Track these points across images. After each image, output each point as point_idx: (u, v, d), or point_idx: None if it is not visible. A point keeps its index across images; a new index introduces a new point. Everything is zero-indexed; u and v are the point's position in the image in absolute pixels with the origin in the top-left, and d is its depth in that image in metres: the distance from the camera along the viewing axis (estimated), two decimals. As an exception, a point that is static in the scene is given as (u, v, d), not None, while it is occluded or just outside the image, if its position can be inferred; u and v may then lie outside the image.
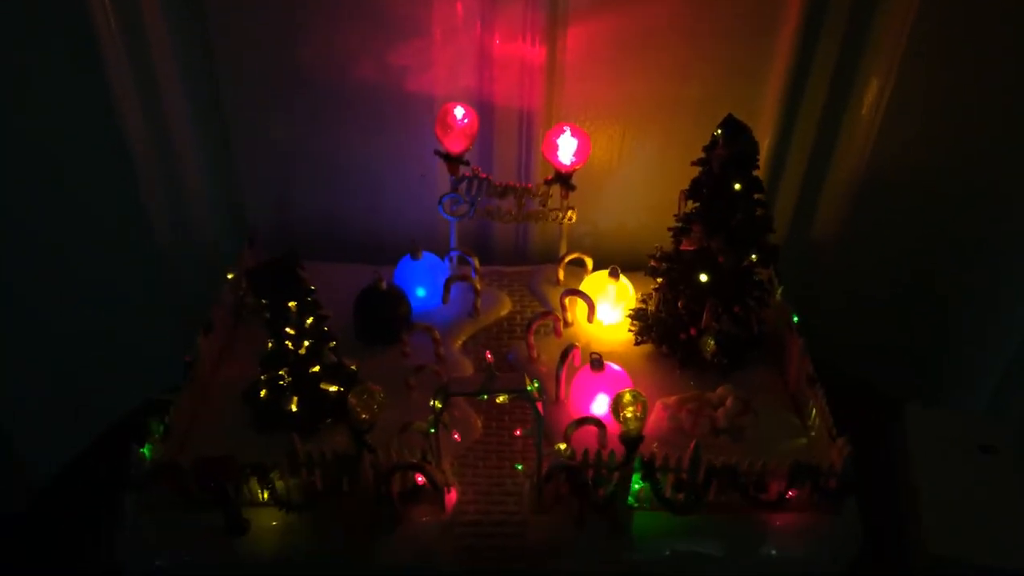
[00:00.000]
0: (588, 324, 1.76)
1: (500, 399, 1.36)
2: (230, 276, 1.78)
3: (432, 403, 1.35)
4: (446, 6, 1.74)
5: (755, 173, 1.53)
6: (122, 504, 1.43)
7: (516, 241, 2.06)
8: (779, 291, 1.69)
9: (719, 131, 1.51)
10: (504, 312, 1.85)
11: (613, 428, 1.47)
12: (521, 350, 1.74)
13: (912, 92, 1.75)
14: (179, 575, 1.41)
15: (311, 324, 1.50)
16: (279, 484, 1.38)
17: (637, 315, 1.74)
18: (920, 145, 1.82)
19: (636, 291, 1.79)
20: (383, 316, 1.73)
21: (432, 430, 1.37)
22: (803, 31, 1.73)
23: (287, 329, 1.48)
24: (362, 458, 1.31)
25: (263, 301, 1.48)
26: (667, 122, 1.86)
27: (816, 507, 1.43)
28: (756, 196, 1.54)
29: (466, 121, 1.71)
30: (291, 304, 1.47)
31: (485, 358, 1.46)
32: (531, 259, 2.05)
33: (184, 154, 1.88)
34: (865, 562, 1.45)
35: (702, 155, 1.56)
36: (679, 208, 1.61)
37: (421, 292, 1.82)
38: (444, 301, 1.80)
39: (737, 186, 1.50)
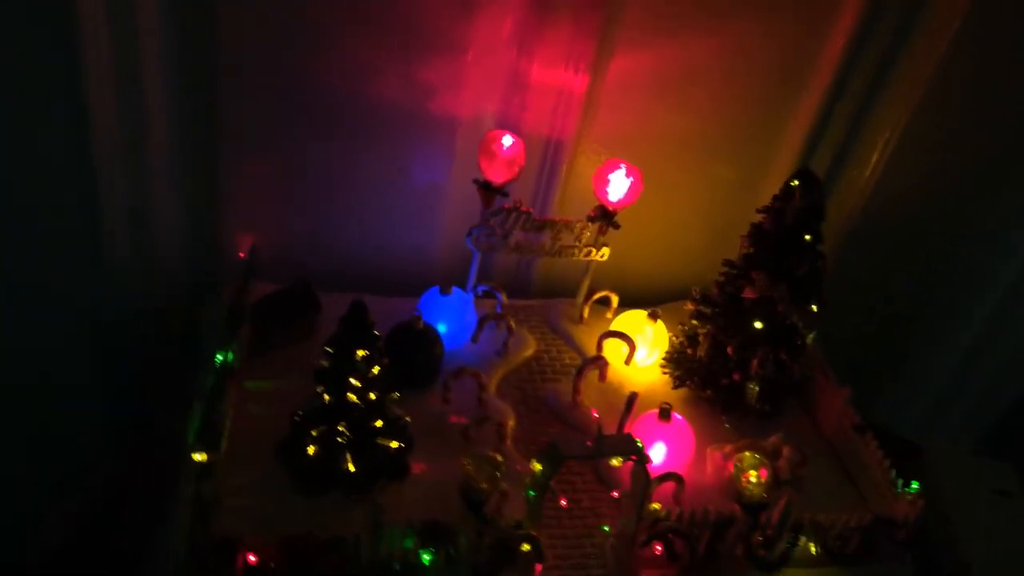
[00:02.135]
0: (624, 367, 1.71)
1: (614, 462, 1.28)
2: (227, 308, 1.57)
3: (535, 466, 1.25)
4: (489, 24, 1.62)
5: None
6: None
7: (518, 270, 1.97)
8: (810, 337, 1.71)
9: (795, 182, 1.50)
10: (530, 352, 1.75)
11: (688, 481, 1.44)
12: (561, 393, 1.66)
13: (913, 150, 1.86)
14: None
15: (377, 374, 1.34)
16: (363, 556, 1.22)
17: (675, 358, 1.71)
18: (913, 196, 1.93)
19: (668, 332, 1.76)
20: (420, 358, 1.58)
21: (532, 492, 1.26)
22: (834, 82, 1.78)
23: (352, 380, 1.31)
24: (482, 536, 1.18)
25: (327, 349, 1.30)
26: (692, 160, 1.85)
27: (882, 557, 1.46)
28: (819, 248, 1.55)
29: (514, 151, 1.61)
30: (361, 353, 1.30)
31: (592, 417, 1.36)
32: (535, 291, 1.97)
33: (161, 164, 1.62)
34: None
35: (769, 204, 1.55)
36: (739, 252, 1.60)
37: (443, 328, 1.69)
38: (474, 340, 1.68)
39: (808, 237, 1.51)
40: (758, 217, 1.57)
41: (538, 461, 1.25)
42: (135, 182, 1.56)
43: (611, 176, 1.63)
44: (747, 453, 1.28)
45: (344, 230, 1.81)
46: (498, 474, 1.19)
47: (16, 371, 1.48)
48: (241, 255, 1.69)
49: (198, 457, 1.27)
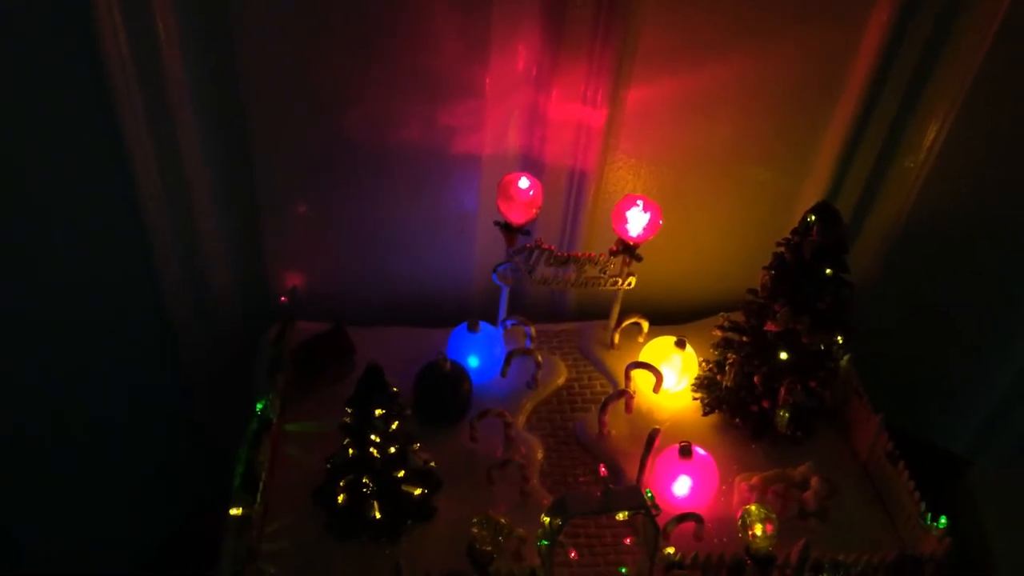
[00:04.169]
0: (653, 395, 1.73)
1: (620, 516, 1.31)
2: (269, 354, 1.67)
3: (547, 520, 1.30)
4: (504, 66, 1.63)
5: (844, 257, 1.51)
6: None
7: (553, 296, 1.99)
8: (845, 359, 1.69)
9: (812, 217, 1.48)
10: (561, 381, 1.79)
11: (706, 516, 1.46)
12: (588, 424, 1.69)
13: (957, 152, 1.78)
14: None
15: (396, 428, 1.41)
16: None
17: (705, 385, 1.72)
18: (960, 200, 1.85)
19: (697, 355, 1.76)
20: (448, 398, 1.65)
21: (545, 542, 1.31)
22: (865, 94, 1.71)
23: (372, 436, 1.39)
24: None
25: (347, 409, 1.38)
26: (722, 177, 1.83)
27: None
28: (843, 277, 1.52)
29: (531, 193, 1.63)
30: (378, 412, 1.37)
31: (599, 472, 1.40)
32: (569, 314, 1.99)
33: (206, 217, 1.72)
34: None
35: (788, 237, 1.53)
36: (761, 283, 1.58)
37: (474, 362, 1.74)
38: (503, 375, 1.73)
39: (828, 271, 1.48)
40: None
41: (549, 516, 1.29)
42: (183, 227, 1.67)
43: (628, 213, 1.63)
44: (753, 507, 1.29)
45: (378, 266, 1.88)
46: (501, 538, 1.24)
47: (80, 425, 1.62)
48: (283, 299, 1.78)
49: (234, 511, 1.38)
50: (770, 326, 1.55)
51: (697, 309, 1.91)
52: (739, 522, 1.30)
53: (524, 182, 1.63)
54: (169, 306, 1.73)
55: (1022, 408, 1.98)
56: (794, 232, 1.52)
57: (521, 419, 1.70)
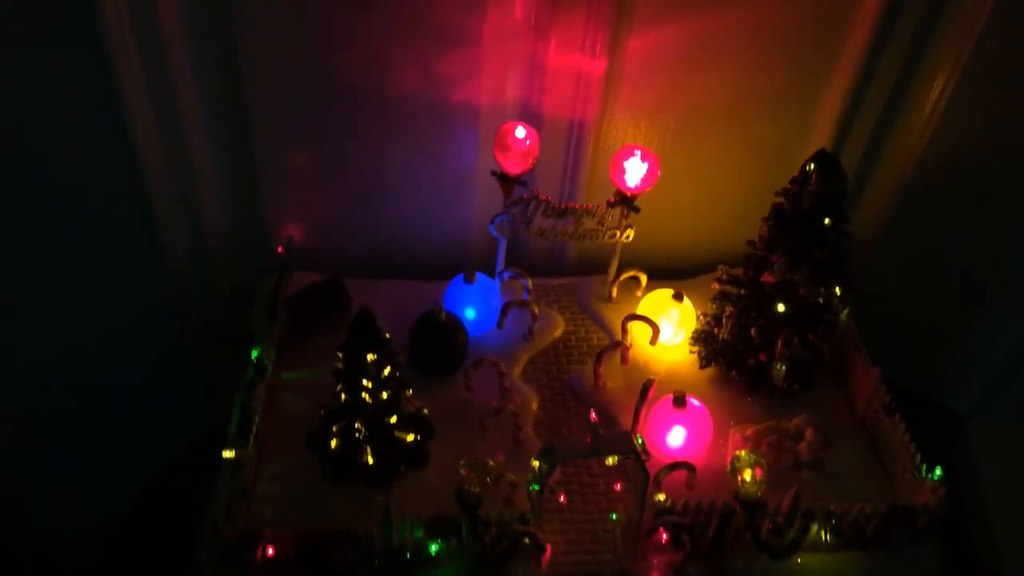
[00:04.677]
0: (650, 347, 1.72)
1: (609, 461, 1.31)
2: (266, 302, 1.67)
3: (536, 464, 1.30)
4: (500, 14, 1.61)
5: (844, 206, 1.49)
6: (200, 565, 1.34)
7: (553, 250, 1.98)
8: (845, 313, 1.67)
9: (811, 166, 1.46)
10: (558, 333, 1.78)
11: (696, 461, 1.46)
12: (585, 376, 1.69)
13: (970, 97, 1.74)
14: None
15: (388, 374, 1.41)
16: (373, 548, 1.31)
17: (703, 338, 1.71)
18: (971, 149, 1.82)
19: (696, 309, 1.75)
20: (443, 348, 1.65)
21: (535, 487, 1.31)
22: (873, 39, 1.68)
23: (364, 381, 1.39)
24: (475, 535, 1.25)
25: (339, 354, 1.38)
26: (723, 128, 1.80)
27: (901, 543, 1.45)
28: (843, 227, 1.50)
29: (528, 143, 1.62)
30: (370, 357, 1.37)
31: (590, 418, 1.40)
32: (569, 268, 1.99)
33: (202, 165, 1.71)
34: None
35: (787, 187, 1.51)
36: (759, 235, 1.57)
37: (471, 314, 1.74)
38: (499, 326, 1.73)
39: (827, 221, 1.46)
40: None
41: (538, 460, 1.30)
42: (180, 176, 1.66)
43: (626, 163, 1.61)
44: (743, 452, 1.28)
45: (377, 218, 1.87)
46: (489, 480, 1.24)
47: (78, 368, 1.63)
48: (279, 249, 1.78)
49: (227, 454, 1.39)
50: (767, 277, 1.54)
51: (697, 264, 1.89)
52: (728, 468, 1.29)
53: (521, 131, 1.61)
54: (168, 255, 1.74)
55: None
56: (793, 181, 1.50)
57: (517, 370, 1.70)
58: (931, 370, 2.05)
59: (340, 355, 1.38)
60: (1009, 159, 1.81)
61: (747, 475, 1.25)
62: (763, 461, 1.27)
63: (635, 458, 1.27)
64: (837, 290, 1.53)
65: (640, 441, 1.31)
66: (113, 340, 1.68)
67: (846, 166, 1.87)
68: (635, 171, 1.61)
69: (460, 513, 1.26)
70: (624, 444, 1.28)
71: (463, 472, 1.24)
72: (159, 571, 1.47)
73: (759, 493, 1.27)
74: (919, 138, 1.80)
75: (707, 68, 1.72)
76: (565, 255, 1.99)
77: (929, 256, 1.97)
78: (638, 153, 1.61)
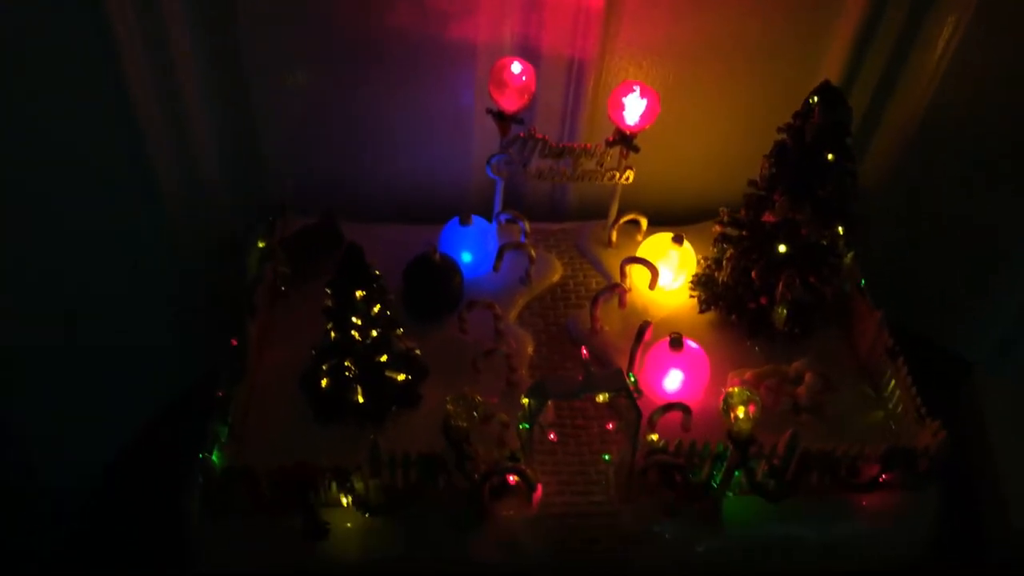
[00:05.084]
0: (649, 291, 1.69)
1: (600, 398, 1.29)
2: (261, 244, 1.65)
3: (526, 401, 1.28)
4: (496, -55, 1.57)
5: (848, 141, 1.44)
6: (187, 511, 1.34)
7: (553, 193, 1.95)
8: (849, 256, 1.63)
9: (814, 98, 1.41)
10: (556, 278, 1.76)
11: (693, 405, 1.43)
12: (581, 320, 1.66)
13: (983, 39, 1.67)
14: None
15: (378, 312, 1.39)
16: (359, 486, 1.30)
17: (703, 282, 1.67)
18: (981, 93, 1.76)
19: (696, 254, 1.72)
20: (437, 290, 1.62)
21: (525, 425, 1.29)
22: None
23: (354, 319, 1.37)
24: (460, 463, 1.23)
25: (327, 291, 1.36)
26: (725, 65, 1.75)
27: (901, 486, 1.42)
28: (848, 165, 1.45)
29: (524, 78, 1.57)
30: (359, 293, 1.35)
31: (581, 355, 1.37)
32: (570, 213, 1.95)
33: (194, 108, 1.67)
34: (945, 538, 1.46)
35: (789, 121, 1.46)
36: (761, 173, 1.52)
37: (467, 257, 1.71)
38: (496, 269, 1.70)
39: (830, 156, 1.42)
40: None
41: (528, 397, 1.27)
42: (174, 120, 1.63)
43: (625, 100, 1.57)
44: (736, 389, 1.25)
45: (373, 161, 1.84)
46: (476, 414, 1.22)
47: (73, 302, 1.61)
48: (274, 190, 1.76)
49: (219, 393, 1.38)
50: (768, 216, 1.50)
51: (700, 210, 1.84)
52: (721, 405, 1.26)
53: (517, 67, 1.57)
54: (164, 194, 1.70)
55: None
56: (796, 116, 1.45)
57: (513, 314, 1.67)
58: (943, 320, 2.00)
59: (328, 292, 1.36)
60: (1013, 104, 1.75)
61: (740, 412, 1.23)
62: (756, 398, 1.24)
63: (626, 395, 1.24)
64: (840, 230, 1.48)
65: (633, 379, 1.28)
66: (106, 281, 1.65)
67: (855, 107, 1.83)
68: (634, 108, 1.56)
69: (446, 448, 1.24)
70: (616, 381, 1.26)
71: (449, 407, 1.22)
72: (147, 518, 1.47)
73: (752, 430, 1.25)
74: (931, 78, 1.74)
75: (712, 5, 1.67)
76: (565, 201, 1.95)
77: (939, 202, 1.92)
78: (637, 89, 1.56)
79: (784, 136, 1.48)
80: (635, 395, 1.26)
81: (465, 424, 1.21)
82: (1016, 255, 1.89)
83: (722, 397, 1.27)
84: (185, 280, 1.77)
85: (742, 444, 1.25)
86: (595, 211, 1.88)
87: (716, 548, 1.39)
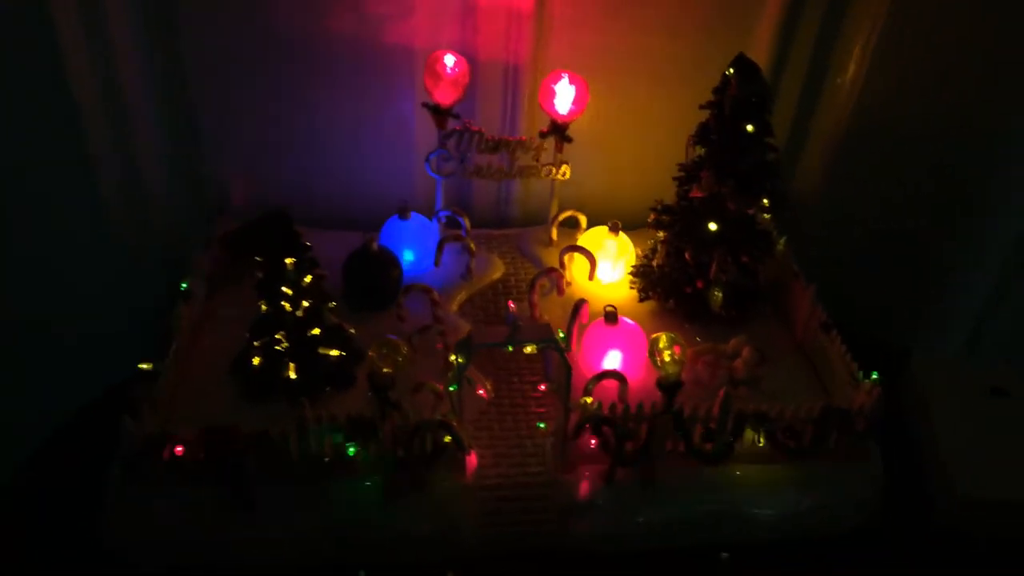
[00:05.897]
0: (589, 282, 1.70)
1: (528, 349, 1.28)
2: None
3: (454, 358, 1.27)
4: (427, -50, 1.64)
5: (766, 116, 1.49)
6: (109, 481, 1.29)
7: (498, 203, 1.98)
8: (782, 241, 1.66)
9: (731, 70, 1.46)
10: (497, 275, 1.76)
11: (632, 382, 1.42)
12: (522, 311, 1.66)
13: (896, 45, 1.75)
14: (174, 552, 1.29)
15: (309, 283, 1.39)
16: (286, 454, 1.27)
17: (640, 271, 1.69)
18: (901, 98, 1.83)
19: (636, 248, 1.74)
20: (376, 280, 1.62)
21: (454, 387, 1.28)
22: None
23: (283, 289, 1.36)
24: (385, 418, 1.21)
25: (256, 260, 1.36)
26: (656, 73, 1.81)
27: (842, 453, 1.41)
28: (767, 140, 1.50)
29: (457, 70, 1.62)
30: (288, 261, 1.35)
31: (508, 308, 1.37)
32: (514, 222, 1.98)
33: (139, 113, 1.70)
34: (888, 511, 1.44)
35: (710, 98, 1.51)
36: (686, 156, 1.56)
37: (409, 256, 1.72)
38: (436, 264, 1.71)
39: (750, 128, 1.46)
40: (703, 115, 1.53)
41: (456, 354, 1.26)
42: (117, 128, 1.65)
43: (555, 87, 1.62)
44: (663, 334, 1.25)
45: (317, 165, 1.86)
46: (400, 359, 1.21)
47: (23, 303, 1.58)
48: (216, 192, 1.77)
49: (144, 365, 1.36)
50: (695, 192, 1.53)
51: (641, 215, 1.87)
52: (648, 352, 1.26)
53: (450, 59, 1.62)
54: (107, 205, 1.70)
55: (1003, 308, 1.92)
56: (715, 90, 1.50)
57: (453, 306, 1.67)
58: (881, 321, 2.01)
59: (258, 260, 1.35)
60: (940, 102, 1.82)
61: (667, 356, 1.22)
62: (681, 340, 1.24)
63: (555, 347, 1.24)
64: (765, 201, 1.52)
65: (561, 334, 1.28)
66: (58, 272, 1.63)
67: (785, 107, 1.90)
68: (565, 95, 1.61)
69: (372, 398, 1.22)
70: (543, 332, 1.25)
71: (372, 353, 1.20)
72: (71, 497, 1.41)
73: (680, 374, 1.24)
74: (850, 90, 1.81)
75: (637, 12, 1.74)
76: (510, 210, 1.98)
77: (872, 206, 1.96)
78: (565, 76, 1.61)
79: (708, 116, 1.53)
80: (565, 348, 1.25)
81: (390, 369, 1.20)
82: (947, 258, 1.92)
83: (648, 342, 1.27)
84: (121, 276, 1.74)
85: (670, 388, 1.24)
86: (539, 219, 1.91)
87: (655, 519, 1.36)
